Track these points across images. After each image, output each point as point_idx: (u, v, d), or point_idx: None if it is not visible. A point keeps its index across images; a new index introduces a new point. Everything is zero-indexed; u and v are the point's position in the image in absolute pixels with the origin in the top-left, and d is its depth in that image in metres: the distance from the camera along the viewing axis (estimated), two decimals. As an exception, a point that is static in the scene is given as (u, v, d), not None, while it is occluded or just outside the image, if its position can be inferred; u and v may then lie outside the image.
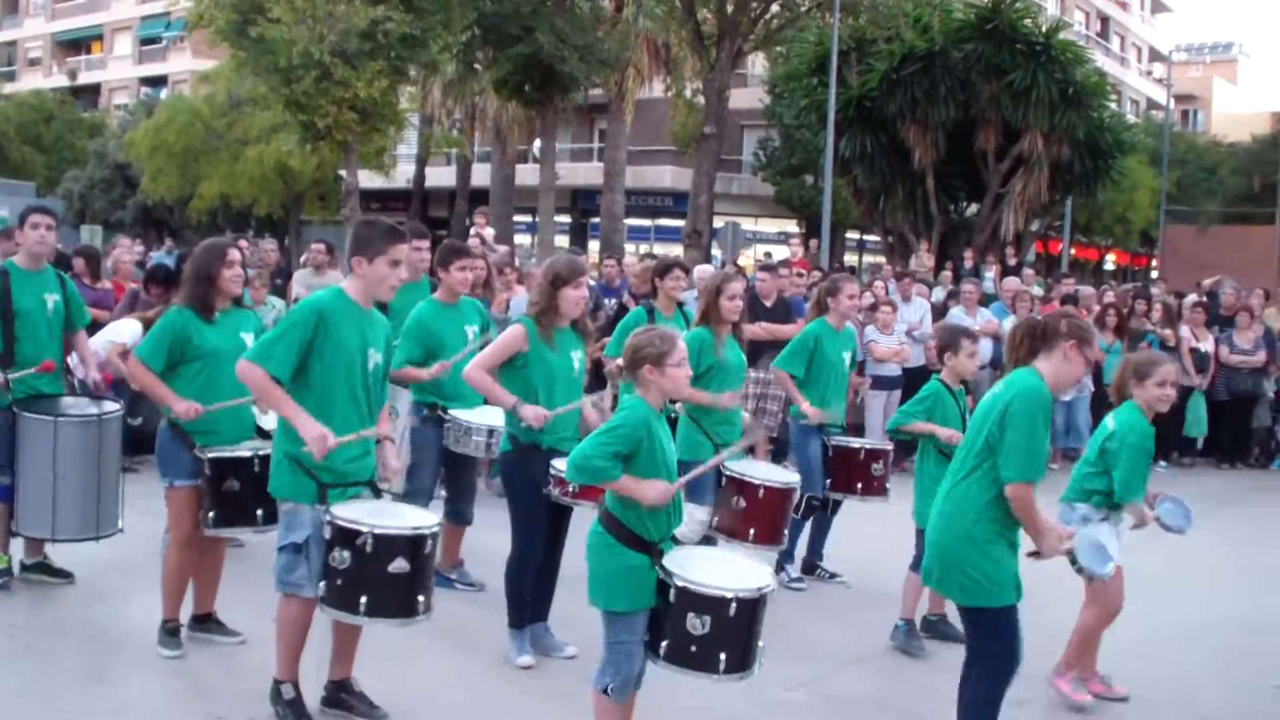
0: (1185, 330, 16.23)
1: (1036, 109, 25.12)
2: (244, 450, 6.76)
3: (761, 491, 7.76)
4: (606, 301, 13.99)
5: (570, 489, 6.77)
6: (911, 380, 13.80)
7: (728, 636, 5.15)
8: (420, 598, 5.64)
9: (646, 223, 47.98)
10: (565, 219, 46.55)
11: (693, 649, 5.15)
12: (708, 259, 31.01)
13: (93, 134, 55.74)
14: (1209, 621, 8.88)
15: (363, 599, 5.51)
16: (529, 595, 7.13)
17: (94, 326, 9.91)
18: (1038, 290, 18.43)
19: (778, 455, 12.51)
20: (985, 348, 12.73)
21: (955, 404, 7.96)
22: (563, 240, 43.24)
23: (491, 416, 7.74)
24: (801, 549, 9.36)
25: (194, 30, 31.48)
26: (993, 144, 26.32)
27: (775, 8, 35.36)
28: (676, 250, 34.96)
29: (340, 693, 6.16)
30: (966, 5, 27.70)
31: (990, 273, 20.53)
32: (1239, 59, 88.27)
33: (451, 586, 8.46)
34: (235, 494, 6.70)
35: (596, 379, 10.29)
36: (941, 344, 8.36)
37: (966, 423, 6.24)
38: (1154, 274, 44.37)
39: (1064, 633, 7.06)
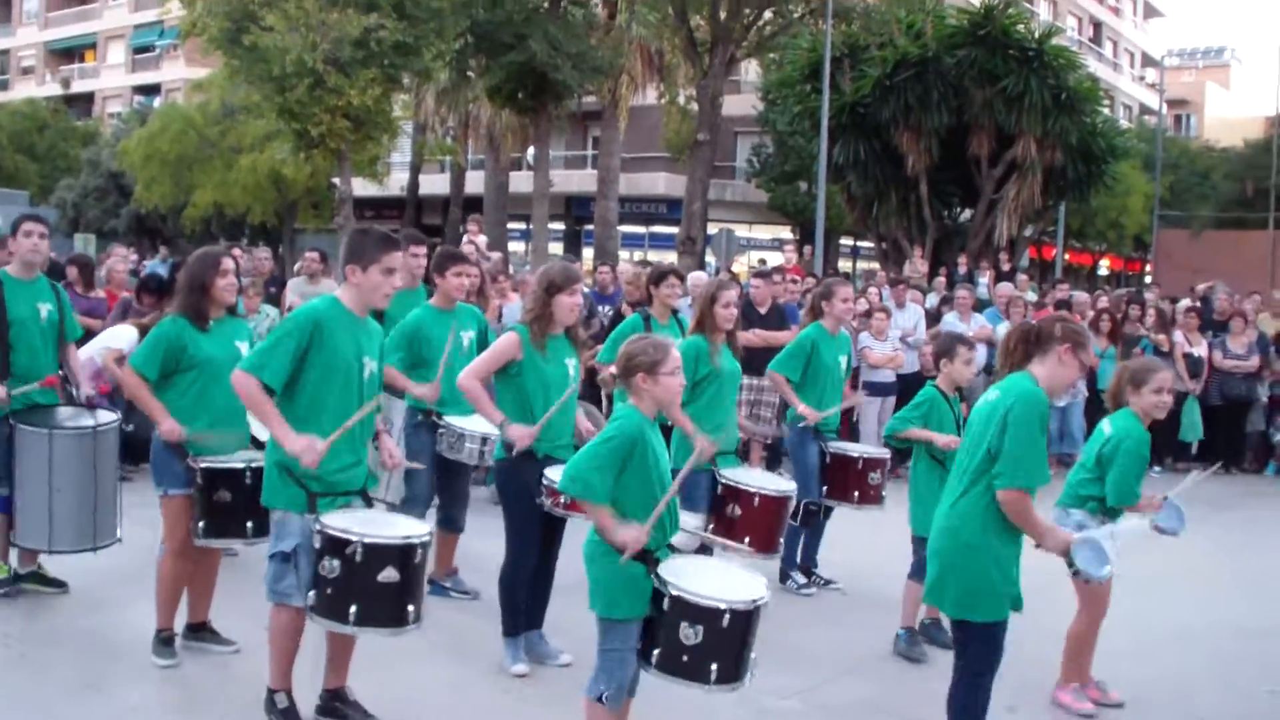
0: (1179, 335, 16.24)
1: (1029, 114, 25.11)
2: (237, 461, 6.75)
3: (757, 500, 7.75)
4: (600, 309, 13.99)
5: (563, 500, 6.76)
6: (906, 386, 13.81)
7: (720, 647, 5.14)
8: (410, 607, 5.61)
9: (640, 230, 47.96)
10: (559, 226, 46.58)
11: (685, 658, 5.14)
12: (702, 266, 30.99)
13: (86, 142, 55.70)
14: (1204, 626, 8.89)
15: (352, 608, 5.49)
16: (523, 603, 7.13)
17: (86, 335, 9.91)
18: (1031, 296, 18.46)
19: (772, 463, 12.52)
20: (979, 353, 12.75)
21: (950, 410, 7.96)
22: (556, 247, 43.23)
23: (485, 423, 7.73)
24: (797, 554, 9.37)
25: (187, 38, 31.48)
26: (986, 150, 26.31)
27: (768, 14, 35.35)
28: (671, 257, 34.95)
29: (335, 701, 6.15)
30: (959, 11, 27.71)
31: (984, 278, 20.56)
32: (1231, 64, 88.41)
33: (446, 594, 8.47)
34: (226, 505, 6.70)
35: (590, 387, 10.29)
36: (938, 351, 8.38)
37: (961, 429, 6.24)
38: (1148, 279, 44.32)
39: (1055, 638, 7.07)
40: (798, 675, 7.28)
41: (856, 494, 8.95)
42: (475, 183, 42.77)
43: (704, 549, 7.72)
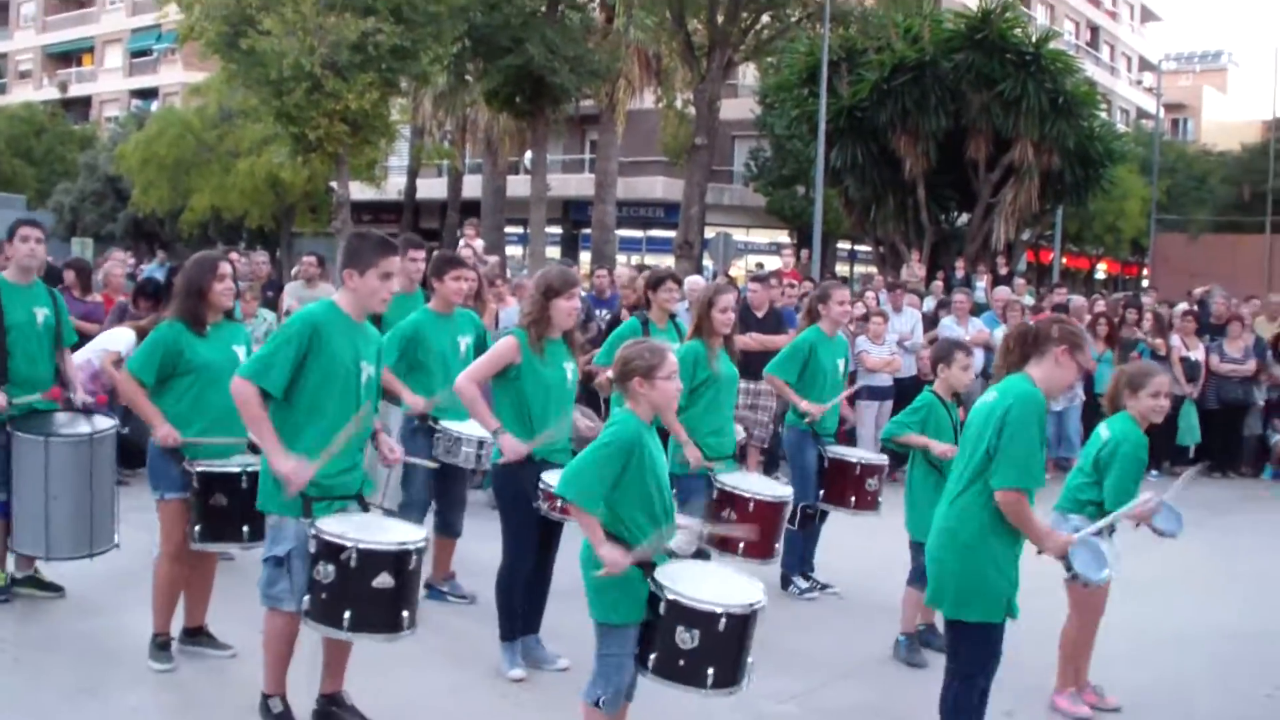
0: (1176, 339, 16.24)
1: (1027, 118, 25.12)
2: (233, 466, 6.74)
3: (752, 505, 7.76)
4: (598, 313, 13.99)
5: (559, 504, 6.75)
6: (903, 390, 13.81)
7: (716, 651, 5.14)
8: (405, 613, 5.60)
9: (638, 234, 47.98)
10: (556, 230, 46.60)
11: (681, 662, 5.14)
12: (699, 270, 31.01)
13: (83, 146, 55.68)
14: (1201, 629, 8.88)
15: (346, 614, 5.48)
16: (520, 607, 7.12)
17: (82, 339, 9.91)
18: (1029, 300, 18.47)
19: (769, 467, 12.52)
20: (976, 358, 12.75)
21: (948, 416, 7.96)
22: (554, 251, 43.25)
23: (481, 428, 7.71)
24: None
25: (185, 42, 31.46)
26: (983, 154, 26.32)
27: (766, 18, 35.39)
28: (668, 261, 34.96)
29: (331, 706, 6.13)
30: (956, 15, 27.73)
31: (981, 282, 20.56)
32: (1228, 68, 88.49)
33: (443, 599, 8.46)
34: (222, 509, 6.69)
35: (584, 389, 10.28)
36: (935, 357, 8.38)
37: (958, 435, 6.24)
38: (1145, 283, 44.40)
39: (1054, 642, 7.07)
40: (795, 679, 7.27)
41: (853, 499, 8.94)
42: (473, 187, 42.77)
43: (701, 554, 7.74)
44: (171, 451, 6.73)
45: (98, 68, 69.08)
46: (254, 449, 6.81)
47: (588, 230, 41.13)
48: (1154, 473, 15.13)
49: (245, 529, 6.65)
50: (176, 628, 7.05)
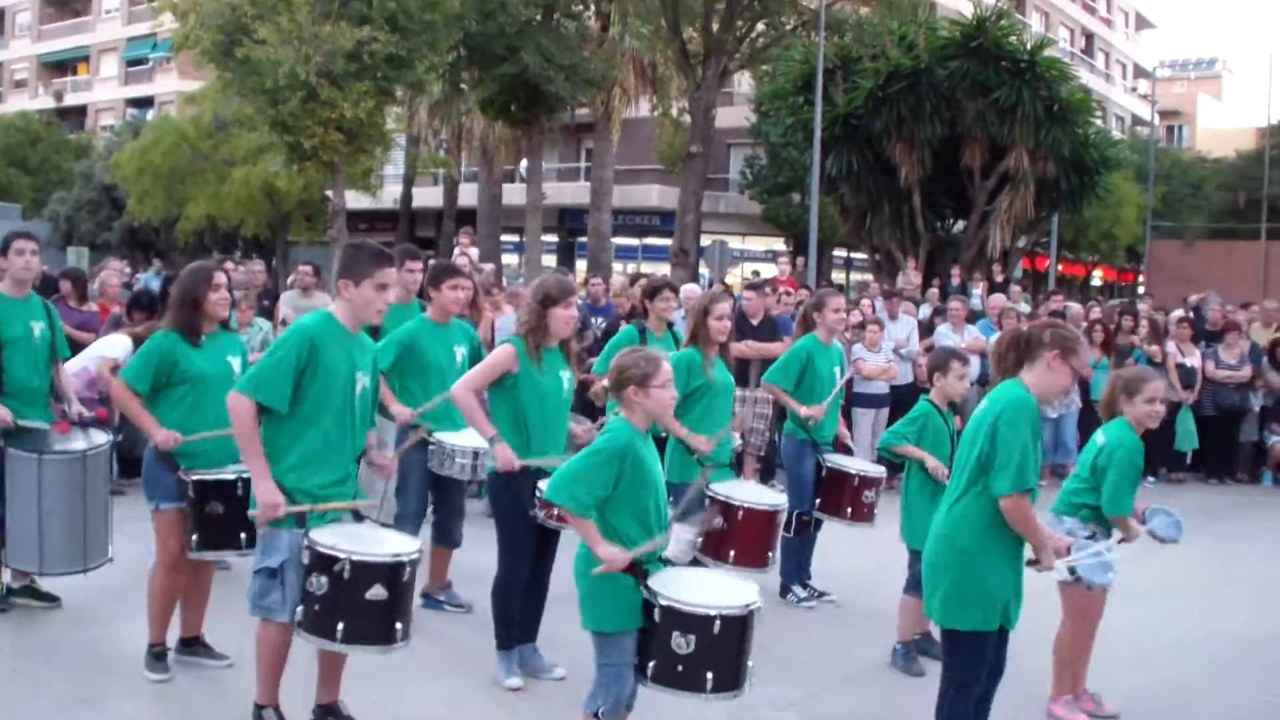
0: (1171, 346, 16.25)
1: (1022, 126, 25.16)
2: (228, 473, 6.73)
3: (741, 513, 7.74)
4: (593, 320, 13.99)
5: (555, 512, 6.74)
6: (899, 398, 13.82)
7: (714, 655, 5.14)
8: (398, 625, 5.57)
9: (634, 242, 47.98)
10: (552, 238, 46.56)
11: (679, 668, 5.14)
12: (695, 278, 31.01)
13: (79, 155, 55.63)
14: (1199, 635, 8.88)
15: (339, 625, 5.45)
16: (517, 616, 7.11)
17: (76, 348, 9.91)
18: (1025, 307, 18.46)
19: (765, 475, 12.51)
20: (973, 365, 12.75)
21: (945, 425, 7.96)
22: (550, 260, 43.23)
23: (476, 439, 7.69)
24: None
25: (180, 51, 31.47)
26: (979, 161, 26.36)
27: (761, 26, 35.43)
28: (664, 269, 34.97)
29: (328, 716, 6.12)
30: (951, 23, 27.76)
31: (977, 290, 20.58)
32: (1223, 75, 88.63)
33: (440, 608, 8.45)
34: (219, 516, 6.67)
35: (580, 398, 10.27)
36: (931, 365, 8.39)
37: (956, 443, 6.23)
38: (1140, 290, 44.39)
39: (1050, 648, 7.06)
40: (793, 687, 7.27)
41: (849, 510, 8.92)
42: (468, 195, 42.77)
43: (696, 563, 7.74)
44: (166, 461, 6.72)
45: (93, 77, 69.09)
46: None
47: (583, 238, 41.11)
48: (1151, 479, 15.17)
49: (243, 536, 6.62)
50: (173, 638, 7.04)
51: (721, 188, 47.32)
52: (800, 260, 28.64)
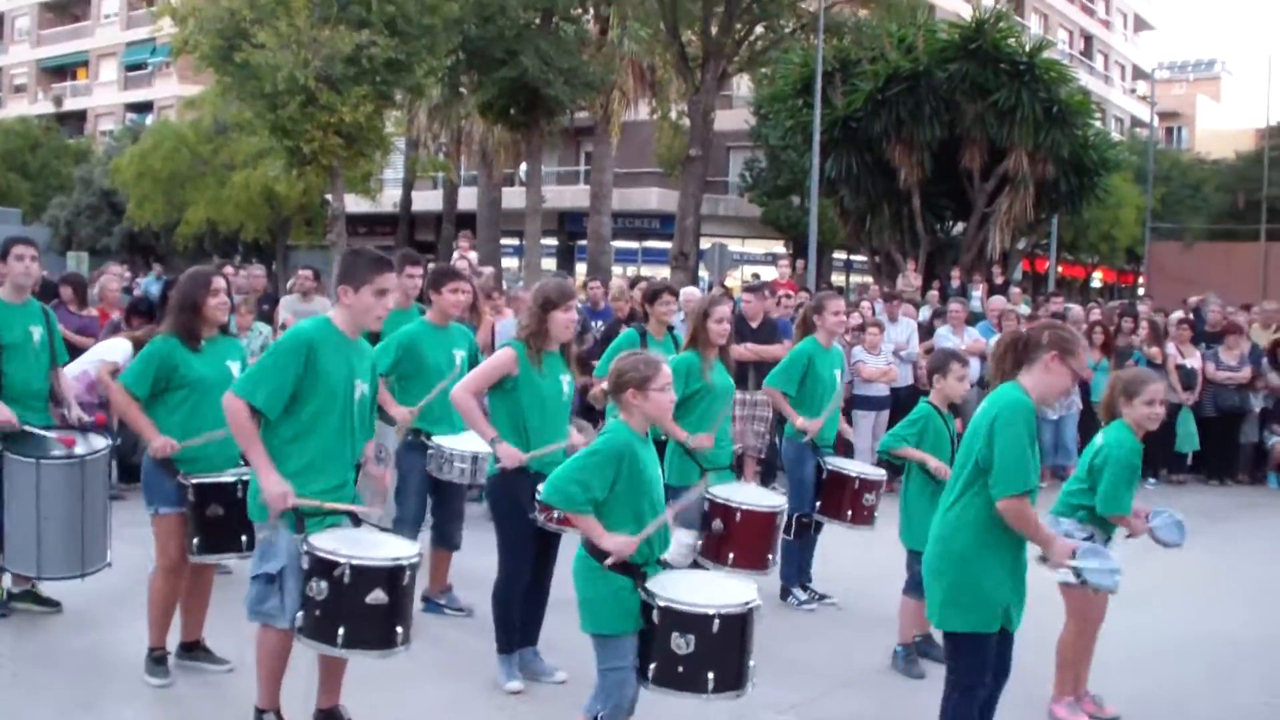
0: (1171, 347, 16.24)
1: (1021, 128, 25.19)
2: (227, 476, 6.73)
3: (739, 515, 7.73)
4: (593, 324, 13.99)
5: (555, 515, 6.74)
6: (899, 400, 13.81)
7: (714, 655, 5.14)
8: (399, 629, 5.56)
9: (633, 245, 47.99)
10: (552, 242, 46.57)
11: (680, 669, 5.14)
12: (695, 281, 31.01)
13: (78, 160, 55.63)
14: (1200, 637, 8.87)
15: (340, 630, 5.44)
16: (517, 619, 7.11)
17: (75, 353, 9.91)
18: (1024, 309, 18.44)
19: (766, 477, 12.50)
20: (972, 367, 12.76)
21: (945, 427, 7.95)
22: (549, 263, 43.25)
23: (475, 443, 7.69)
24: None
25: (179, 56, 31.46)
26: (978, 163, 26.38)
27: (759, 30, 35.43)
28: (664, 272, 34.97)
29: (329, 720, 6.12)
30: (950, 25, 27.79)
31: (977, 292, 20.58)
32: (1222, 76, 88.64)
33: (440, 612, 8.45)
34: (220, 519, 6.68)
35: (584, 405, 10.27)
36: (930, 367, 8.39)
37: (956, 445, 6.22)
38: (1140, 291, 44.39)
39: (1053, 650, 7.05)
40: (794, 689, 7.26)
41: (849, 513, 8.90)
42: (468, 199, 42.79)
43: (696, 565, 7.74)
44: (165, 465, 6.72)
45: (92, 81, 69.08)
46: (248, 461, 6.81)
47: (583, 242, 41.12)
48: (1151, 481, 15.17)
49: (243, 539, 6.62)
50: (173, 642, 7.04)
51: (721, 191, 47.33)
52: (800, 263, 28.66)
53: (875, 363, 14.06)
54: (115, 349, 10.18)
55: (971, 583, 5.42)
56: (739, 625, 5.20)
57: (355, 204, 34.20)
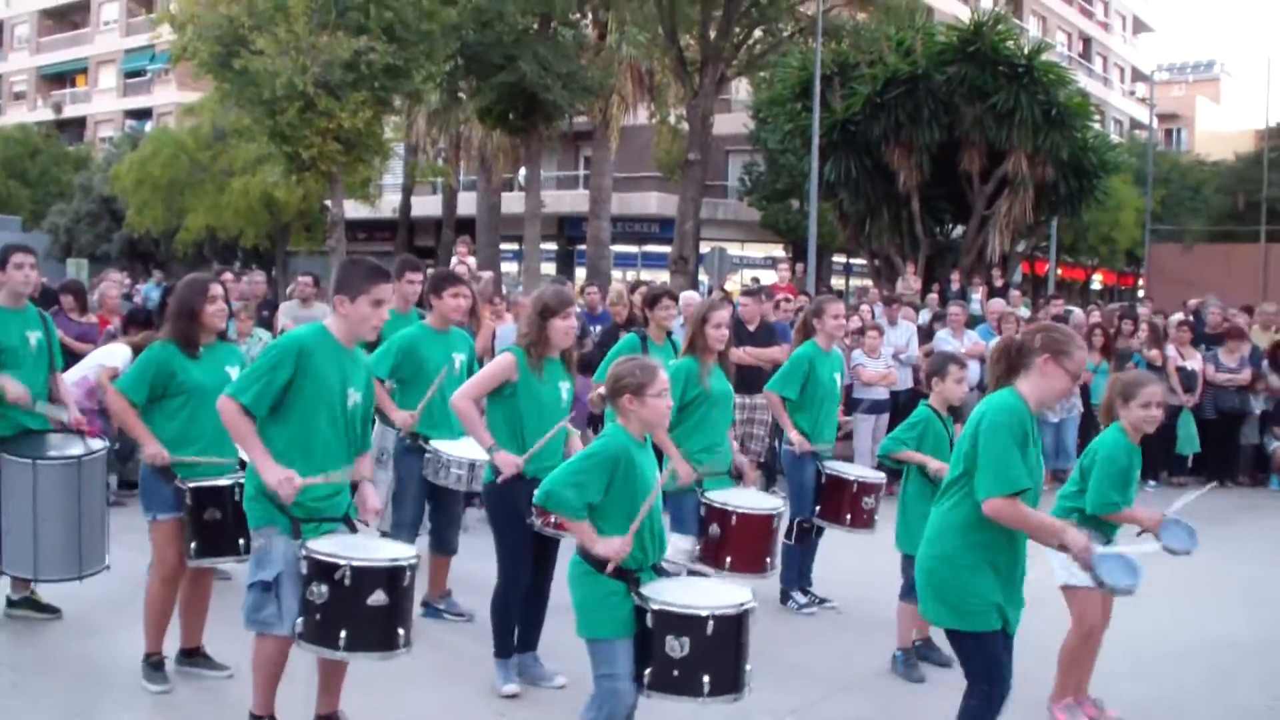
0: (1171, 349, 16.24)
1: (1020, 130, 25.17)
2: (224, 480, 6.73)
3: (734, 519, 7.72)
4: (592, 329, 13.99)
5: (553, 520, 6.73)
6: (899, 404, 13.81)
7: (709, 657, 5.13)
8: (400, 630, 5.56)
9: (633, 249, 47.97)
10: (551, 246, 46.57)
11: (675, 673, 5.13)
12: (694, 285, 31.02)
13: (78, 167, 55.68)
14: (1201, 640, 8.87)
15: (342, 633, 5.43)
16: (515, 624, 7.10)
17: (73, 360, 9.91)
18: (1024, 311, 18.44)
19: (766, 481, 12.50)
20: (972, 370, 12.75)
21: (945, 430, 7.95)
22: (549, 268, 43.28)
23: (472, 449, 7.68)
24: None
25: (178, 63, 31.46)
26: (977, 166, 26.36)
27: (758, 33, 35.43)
28: (663, 277, 34.96)
29: (328, 726, 6.11)
30: (948, 28, 27.80)
31: (977, 294, 20.56)
32: (1221, 78, 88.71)
33: (440, 617, 8.45)
34: (217, 523, 6.68)
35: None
36: (929, 371, 8.39)
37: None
38: (1140, 293, 44.38)
39: (1053, 654, 7.04)
40: (793, 693, 7.25)
41: (849, 517, 8.89)
42: (467, 204, 42.79)
43: (699, 574, 7.72)
44: (163, 471, 6.73)
45: (92, 88, 69.13)
46: (245, 467, 6.81)
47: (583, 246, 41.12)
48: (1152, 483, 15.15)
49: (241, 542, 6.61)
50: (171, 648, 7.03)
51: (720, 194, 47.35)
52: (800, 266, 28.67)
53: (875, 366, 14.07)
54: (115, 354, 10.20)
55: (957, 582, 5.39)
56: (734, 627, 5.18)
57: (355, 210, 34.23)
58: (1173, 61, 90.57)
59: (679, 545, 7.61)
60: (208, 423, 6.56)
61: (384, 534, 7.91)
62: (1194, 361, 16.18)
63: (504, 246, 40.80)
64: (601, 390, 5.80)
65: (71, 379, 9.00)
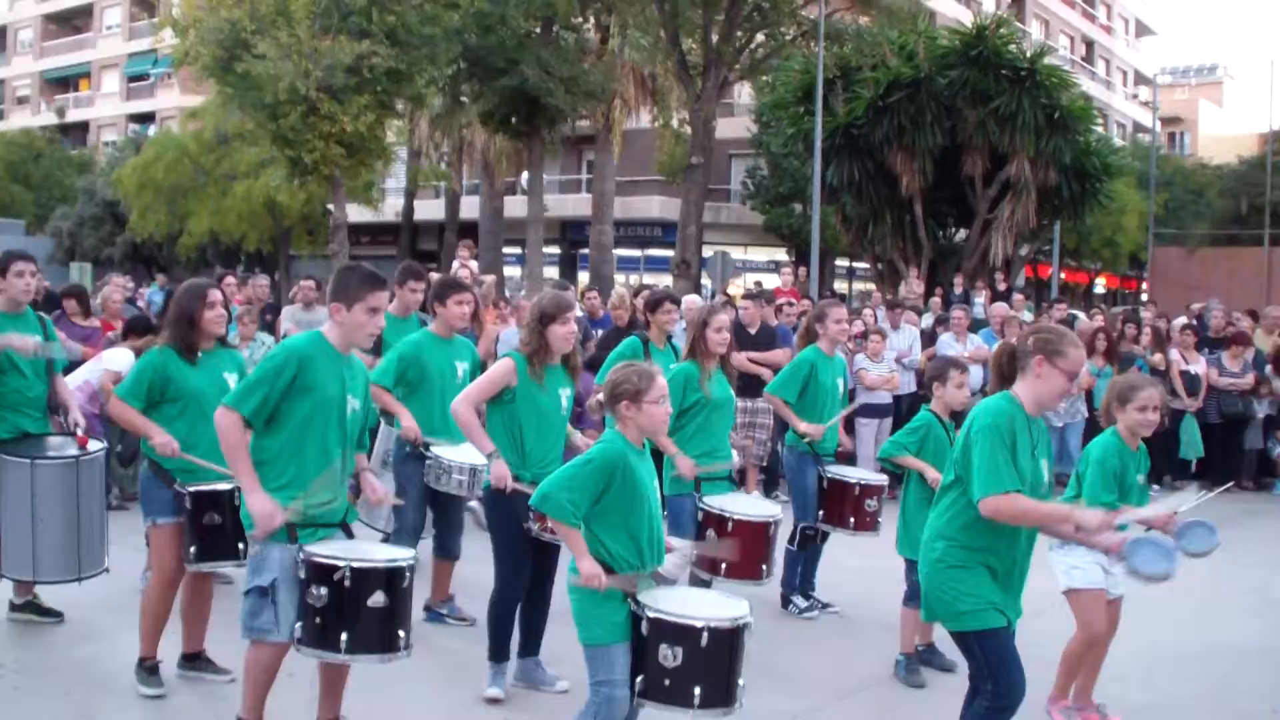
0: (1175, 353, 16.22)
1: (1023, 134, 25.15)
2: (223, 483, 6.72)
3: (730, 525, 7.71)
4: (593, 332, 13.99)
5: (550, 525, 6.71)
6: (902, 408, 13.79)
7: (702, 669, 5.12)
8: (401, 632, 5.57)
9: (636, 253, 48.00)
10: (554, 250, 46.60)
11: (667, 682, 5.13)
12: (697, 289, 31.01)
13: (81, 171, 55.81)
14: (1203, 646, 8.85)
15: (343, 636, 5.44)
16: (511, 629, 7.09)
17: (72, 364, 9.91)
18: (1027, 315, 18.42)
19: (769, 486, 12.49)
20: (975, 374, 12.73)
21: (946, 435, 7.93)
22: (552, 272, 43.27)
23: (473, 455, 7.66)
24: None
25: (180, 67, 31.57)
26: (980, 169, 26.34)
27: (760, 37, 35.41)
28: (666, 280, 34.96)
29: (329, 731, 6.10)
30: (951, 32, 27.79)
31: (980, 298, 20.55)
32: (1224, 81, 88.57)
33: (442, 621, 8.45)
34: (216, 527, 6.69)
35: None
36: (930, 375, 8.36)
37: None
38: (1144, 297, 44.39)
39: (1054, 662, 7.03)
40: (794, 698, 7.24)
41: (852, 520, 8.89)
42: (470, 208, 42.81)
43: (703, 583, 7.72)
44: (161, 475, 6.72)
45: (95, 93, 69.22)
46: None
47: (585, 250, 41.15)
48: (1156, 487, 15.08)
49: (240, 546, 6.60)
50: (165, 651, 7.01)
51: (723, 198, 47.32)
52: (802, 270, 28.59)
53: (878, 370, 14.06)
54: (119, 358, 10.22)
55: (951, 583, 5.38)
56: (728, 641, 5.17)
57: (357, 213, 34.27)
58: (1176, 65, 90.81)
59: (678, 551, 7.59)
60: (207, 427, 6.51)
61: (385, 538, 7.92)
62: (1197, 365, 16.16)
63: (506, 250, 40.82)
64: (600, 396, 5.78)
65: (74, 383, 8.99)
